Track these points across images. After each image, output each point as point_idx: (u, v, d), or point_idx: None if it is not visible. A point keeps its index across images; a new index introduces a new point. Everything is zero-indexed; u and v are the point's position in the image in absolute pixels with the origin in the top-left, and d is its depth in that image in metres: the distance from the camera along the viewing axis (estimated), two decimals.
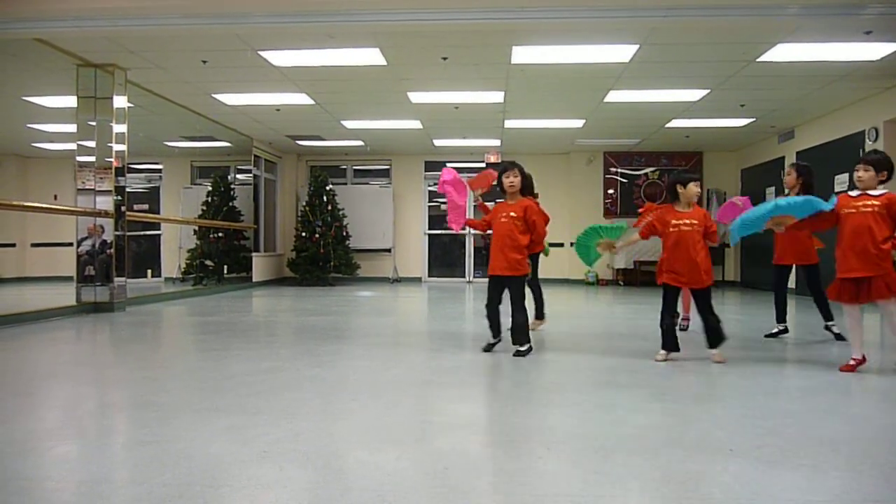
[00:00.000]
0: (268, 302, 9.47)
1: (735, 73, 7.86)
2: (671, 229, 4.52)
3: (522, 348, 4.68)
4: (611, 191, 13.80)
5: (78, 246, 7.80)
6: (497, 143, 12.75)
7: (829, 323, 5.74)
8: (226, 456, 2.45)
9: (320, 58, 7.34)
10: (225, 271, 11.92)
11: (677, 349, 4.61)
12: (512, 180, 4.80)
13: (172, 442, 2.60)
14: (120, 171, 7.76)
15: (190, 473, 2.25)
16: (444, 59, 7.40)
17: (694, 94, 8.94)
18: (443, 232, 14.55)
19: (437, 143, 12.72)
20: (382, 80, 8.29)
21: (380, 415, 3.14)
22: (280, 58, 7.36)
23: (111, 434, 2.87)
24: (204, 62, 7.51)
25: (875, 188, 4.24)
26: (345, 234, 13.11)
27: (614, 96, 8.99)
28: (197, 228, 11.72)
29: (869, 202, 4.20)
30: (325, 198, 13.12)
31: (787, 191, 5.80)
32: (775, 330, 5.81)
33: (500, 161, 13.61)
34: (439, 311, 8.05)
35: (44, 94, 9.00)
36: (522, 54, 7.20)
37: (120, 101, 7.73)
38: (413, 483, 2.19)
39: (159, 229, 13.17)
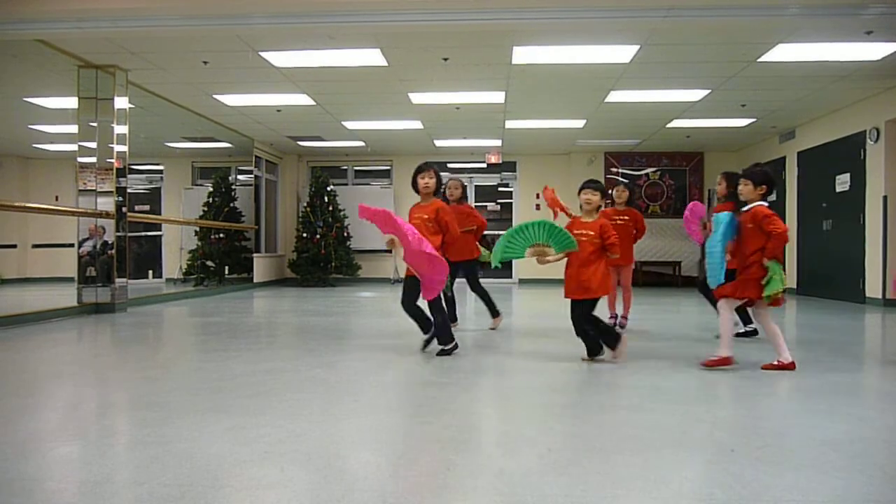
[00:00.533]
0: (269, 303, 9.48)
1: (736, 74, 7.86)
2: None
3: (447, 347, 4.69)
4: (612, 191, 13.79)
5: (79, 247, 7.81)
6: (498, 143, 12.75)
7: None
8: (227, 456, 2.45)
9: (321, 59, 7.34)
10: (226, 272, 11.93)
11: (598, 353, 4.52)
12: (427, 181, 4.81)
13: (174, 442, 2.60)
14: (121, 172, 7.76)
15: (191, 474, 2.25)
16: (445, 59, 7.40)
17: (695, 95, 8.94)
18: None
19: (438, 143, 12.72)
20: (383, 81, 8.29)
21: (381, 415, 3.14)
22: (281, 58, 7.37)
23: (113, 435, 2.88)
24: (205, 63, 7.51)
25: (757, 201, 4.28)
26: (346, 234, 13.11)
27: (615, 97, 8.99)
28: (198, 229, 11.74)
29: (745, 216, 4.28)
30: (325, 198, 13.12)
31: (718, 198, 5.87)
32: (743, 330, 5.72)
33: (501, 162, 13.62)
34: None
35: (45, 95, 9.02)
36: (523, 55, 7.20)
37: (121, 102, 7.73)
38: (415, 483, 2.19)
39: (160, 230, 13.19)
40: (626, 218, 6.44)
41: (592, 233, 4.38)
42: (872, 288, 8.96)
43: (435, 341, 4.75)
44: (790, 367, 4.16)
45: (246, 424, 2.88)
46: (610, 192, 6.66)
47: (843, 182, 9.63)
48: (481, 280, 6.29)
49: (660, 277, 13.17)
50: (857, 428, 2.90)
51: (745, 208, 4.29)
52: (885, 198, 8.72)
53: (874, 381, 4.05)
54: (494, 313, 6.25)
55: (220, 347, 5.14)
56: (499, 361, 4.64)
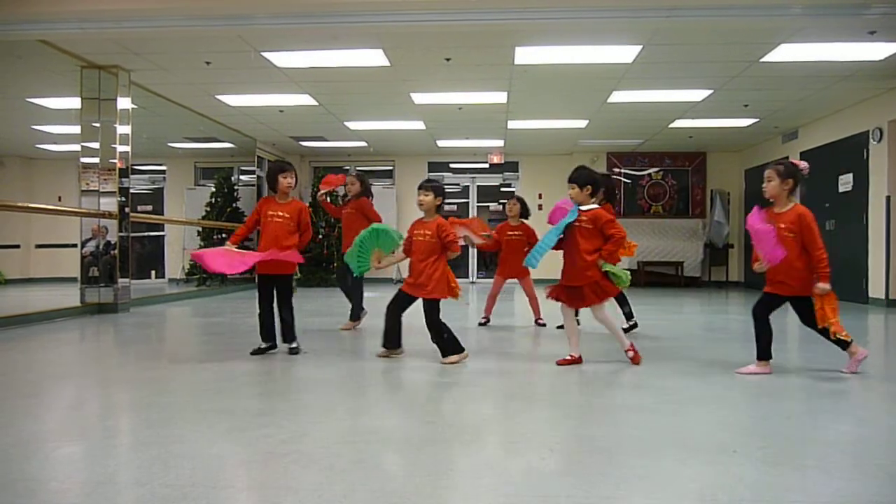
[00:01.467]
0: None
1: (738, 74, 7.85)
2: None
3: (293, 345, 4.74)
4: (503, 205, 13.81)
5: (82, 247, 7.82)
6: (500, 143, 12.75)
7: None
8: (229, 457, 2.46)
9: (323, 59, 7.35)
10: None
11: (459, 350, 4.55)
12: (290, 181, 4.83)
13: (176, 443, 2.60)
14: (124, 173, 7.77)
15: (194, 474, 2.25)
16: (448, 59, 7.40)
17: (697, 95, 8.93)
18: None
19: (441, 143, 12.72)
20: (385, 82, 8.29)
21: (384, 416, 3.14)
22: (283, 59, 7.37)
23: (115, 435, 2.88)
24: (207, 63, 7.52)
25: (587, 203, 4.40)
26: None
27: (617, 97, 8.98)
28: (200, 229, 11.74)
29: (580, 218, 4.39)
30: (328, 198, 13.09)
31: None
32: (626, 325, 5.87)
33: (503, 162, 13.62)
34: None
35: (48, 96, 9.03)
36: (525, 55, 7.20)
37: (124, 103, 7.74)
38: (417, 483, 2.19)
39: (163, 230, 13.18)
40: (518, 233, 6.47)
41: (429, 233, 4.47)
42: (875, 288, 8.94)
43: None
44: (579, 361, 4.40)
45: (248, 425, 2.88)
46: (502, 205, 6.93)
47: (845, 182, 9.61)
48: None
49: (662, 278, 13.15)
50: (860, 429, 2.90)
51: (585, 208, 4.38)
52: (888, 198, 8.71)
53: (877, 382, 4.04)
54: (355, 317, 6.39)
55: (222, 348, 5.14)
56: (501, 362, 4.63)
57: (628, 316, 5.97)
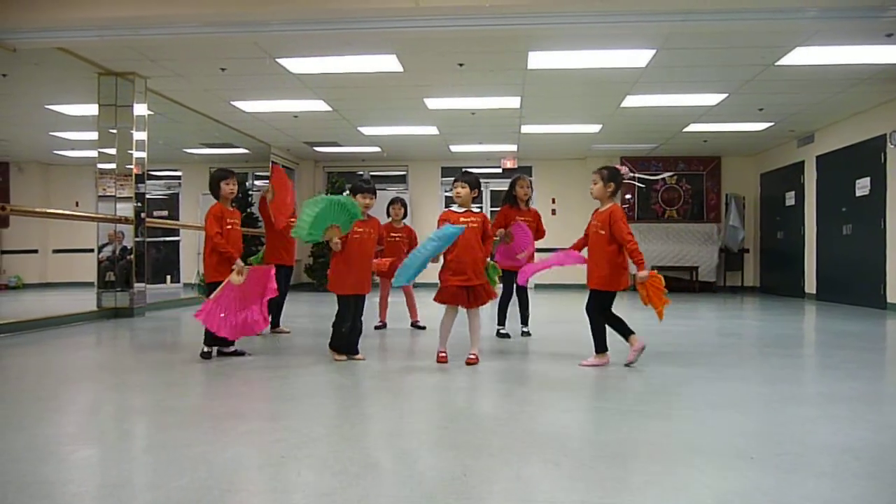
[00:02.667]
0: (284, 307, 9.50)
1: (753, 78, 7.80)
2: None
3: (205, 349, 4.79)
4: (628, 196, 13.73)
5: (99, 252, 7.90)
6: (514, 148, 12.74)
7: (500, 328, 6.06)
8: (243, 461, 2.47)
9: (338, 65, 7.38)
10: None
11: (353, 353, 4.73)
12: (232, 188, 5.02)
13: (191, 446, 2.62)
14: (140, 178, 7.84)
15: (208, 478, 2.26)
16: (461, 65, 7.41)
17: (712, 99, 8.89)
18: None
19: (454, 148, 12.73)
20: (399, 87, 8.32)
21: (396, 420, 3.14)
22: (298, 65, 7.42)
23: (131, 438, 2.90)
24: (223, 70, 7.58)
25: (607, 202, 4.60)
26: None
27: (631, 101, 8.96)
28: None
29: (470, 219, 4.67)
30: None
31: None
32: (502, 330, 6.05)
33: (516, 167, 13.61)
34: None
35: (66, 103, 9.13)
36: (539, 60, 7.20)
37: (140, 109, 7.82)
38: (431, 488, 2.19)
39: (178, 235, 13.30)
40: (401, 234, 6.59)
41: (371, 231, 4.76)
42: (894, 293, 8.84)
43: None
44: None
45: (261, 429, 2.89)
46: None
47: (863, 186, 9.52)
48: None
49: (676, 283, 13.06)
50: (878, 435, 2.86)
51: (602, 208, 4.58)
52: None
53: (895, 389, 4.00)
54: (275, 324, 6.30)
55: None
56: (514, 367, 4.62)
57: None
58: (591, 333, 4.59)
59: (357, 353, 4.74)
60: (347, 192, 4.95)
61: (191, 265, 12.99)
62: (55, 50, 6.65)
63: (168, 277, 13.31)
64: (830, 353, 5.32)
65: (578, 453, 2.59)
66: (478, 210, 4.81)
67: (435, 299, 4.71)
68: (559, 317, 8.35)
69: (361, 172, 14.38)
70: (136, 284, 7.81)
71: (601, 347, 4.56)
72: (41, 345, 5.57)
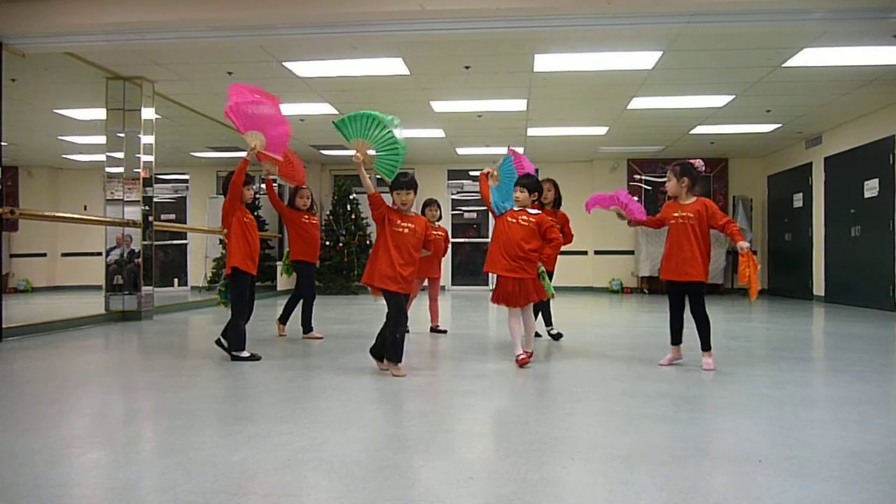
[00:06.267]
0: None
1: (760, 79, 7.78)
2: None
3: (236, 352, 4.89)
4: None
5: (107, 255, 7.93)
6: (520, 150, 12.69)
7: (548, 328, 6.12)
8: (251, 464, 2.47)
9: (344, 68, 7.41)
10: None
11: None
12: (251, 193, 5.13)
13: (199, 450, 2.62)
14: (148, 182, 7.88)
15: (215, 481, 2.27)
16: (467, 67, 7.42)
17: (718, 101, 8.87)
18: (466, 240, 14.55)
19: (460, 151, 12.73)
20: (405, 90, 8.33)
21: (404, 423, 3.14)
22: (304, 68, 7.44)
23: (139, 441, 2.91)
24: (229, 73, 7.61)
25: (532, 207, 4.80)
26: (368, 242, 13.17)
27: (638, 103, 8.94)
28: (222, 238, 11.83)
29: (525, 217, 4.74)
30: (348, 207, 13.20)
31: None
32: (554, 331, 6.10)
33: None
34: (462, 320, 8.05)
35: (74, 107, 9.19)
36: (545, 62, 7.20)
37: (148, 113, 7.86)
38: (438, 492, 2.19)
39: (186, 239, 13.36)
40: (439, 233, 6.33)
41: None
42: None
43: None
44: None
45: (269, 432, 2.89)
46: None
47: (871, 188, 9.47)
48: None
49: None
50: (887, 439, 2.84)
51: (533, 211, 4.77)
52: None
53: None
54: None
55: (243, 355, 5.17)
56: (521, 370, 4.61)
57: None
58: (698, 332, 4.60)
59: (383, 360, 4.43)
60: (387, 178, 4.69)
61: (198, 268, 13.04)
62: (64, 55, 6.69)
63: (176, 280, 13.36)
64: (839, 356, 5.29)
65: (586, 456, 2.58)
66: (536, 212, 4.77)
67: (493, 300, 4.78)
68: (565, 319, 8.34)
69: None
70: (143, 288, 7.84)
71: (705, 345, 4.60)
72: (50, 348, 5.60)
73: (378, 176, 4.54)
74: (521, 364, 4.57)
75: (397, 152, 4.50)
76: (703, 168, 4.74)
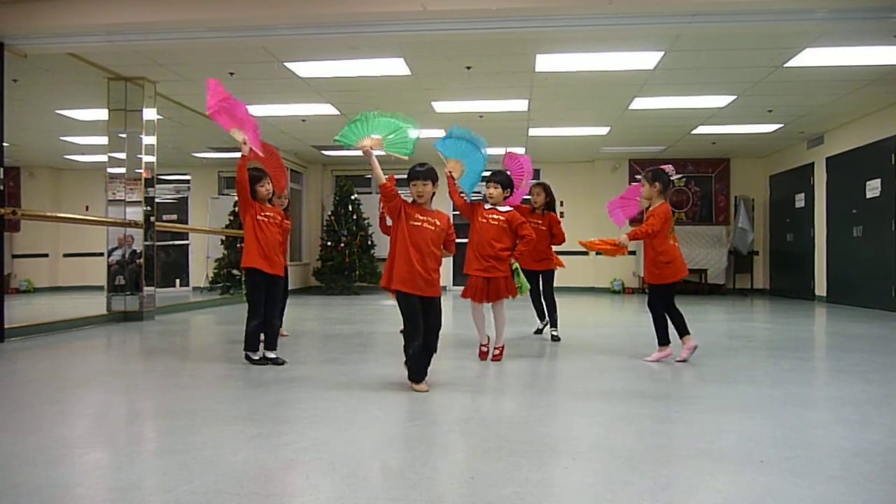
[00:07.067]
0: (293, 311, 9.53)
1: (762, 79, 7.78)
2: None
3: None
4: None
5: (108, 256, 7.94)
6: (522, 151, 12.70)
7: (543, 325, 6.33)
8: (253, 464, 2.47)
9: (345, 68, 7.41)
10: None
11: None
12: (268, 188, 4.84)
13: (200, 450, 2.63)
14: (149, 182, 7.88)
15: (217, 481, 2.27)
16: (468, 68, 7.42)
17: (720, 101, 8.86)
18: (467, 241, 14.55)
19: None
20: (407, 90, 8.34)
21: (405, 423, 3.14)
22: (306, 69, 7.44)
23: (141, 442, 2.91)
24: (231, 74, 7.61)
25: (503, 204, 4.87)
26: (370, 243, 13.18)
27: (639, 103, 8.94)
28: (224, 238, 11.86)
29: (495, 217, 4.79)
30: (350, 207, 13.20)
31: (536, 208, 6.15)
32: (539, 326, 6.37)
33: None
34: (463, 320, 8.04)
35: (76, 108, 9.20)
36: (546, 62, 7.20)
37: (149, 114, 7.86)
38: (439, 492, 2.19)
39: (187, 239, 13.36)
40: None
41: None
42: None
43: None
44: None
45: (271, 432, 2.89)
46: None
47: (873, 188, 9.46)
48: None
49: (686, 285, 13.03)
50: (890, 439, 2.84)
51: (503, 209, 4.89)
52: None
53: None
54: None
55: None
56: (523, 370, 4.61)
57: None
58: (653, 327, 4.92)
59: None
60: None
61: (200, 269, 13.04)
62: (65, 55, 6.69)
63: (177, 281, 13.37)
64: (841, 356, 5.29)
65: (588, 457, 2.58)
66: (507, 209, 4.85)
67: (462, 295, 4.83)
68: (566, 319, 8.34)
69: (370, 176, 14.41)
70: (145, 288, 7.84)
71: (663, 341, 4.88)
72: (52, 348, 5.61)
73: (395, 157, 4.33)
74: (483, 357, 4.73)
75: (406, 132, 4.21)
76: (674, 172, 5.08)
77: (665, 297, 4.86)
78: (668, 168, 4.98)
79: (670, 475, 2.35)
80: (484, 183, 5.12)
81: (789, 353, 5.42)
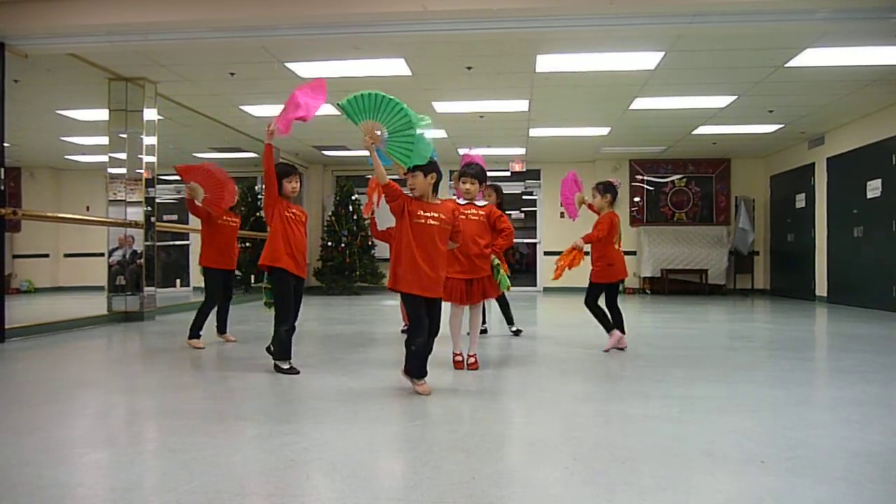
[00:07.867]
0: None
1: (763, 79, 7.77)
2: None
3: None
4: (637, 199, 13.71)
5: (109, 256, 7.94)
6: (522, 151, 12.73)
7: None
8: (253, 464, 2.47)
9: (346, 69, 7.40)
10: (252, 281, 12.04)
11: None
12: (294, 185, 4.59)
13: (200, 450, 2.62)
14: (150, 183, 7.89)
15: (218, 481, 2.27)
16: (469, 68, 7.42)
17: (721, 101, 8.86)
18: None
19: (463, 152, 12.70)
20: (407, 91, 8.33)
21: (405, 423, 3.14)
22: (306, 69, 7.44)
23: (141, 442, 2.91)
24: (232, 74, 7.62)
25: (479, 199, 4.72)
26: (370, 243, 13.17)
27: (640, 104, 8.94)
28: None
29: (473, 212, 4.57)
30: (350, 207, 13.20)
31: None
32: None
33: (524, 170, 13.59)
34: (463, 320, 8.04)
35: (77, 108, 9.20)
36: (547, 63, 7.20)
37: (150, 114, 7.87)
38: (440, 492, 2.19)
39: (188, 239, 13.36)
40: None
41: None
42: None
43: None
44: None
45: (271, 432, 2.89)
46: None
47: (874, 188, 9.46)
48: None
49: (686, 286, 13.03)
50: (891, 439, 2.84)
51: (481, 203, 4.71)
52: None
53: None
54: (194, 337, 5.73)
55: (245, 356, 5.18)
56: (523, 370, 4.61)
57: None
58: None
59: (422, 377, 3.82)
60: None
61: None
62: (66, 56, 6.70)
63: (178, 281, 13.37)
64: (842, 357, 5.29)
65: (588, 457, 2.57)
66: (483, 203, 4.65)
67: (444, 299, 4.43)
68: (565, 320, 8.34)
69: (370, 177, 14.41)
70: (146, 288, 7.85)
71: (608, 328, 5.41)
72: (52, 348, 5.61)
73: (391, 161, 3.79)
74: (458, 367, 4.53)
75: (412, 134, 3.77)
76: (620, 185, 5.99)
77: (595, 294, 5.51)
78: (616, 182, 5.74)
79: (670, 475, 2.35)
80: (451, 182, 5.03)
81: (790, 353, 5.42)
